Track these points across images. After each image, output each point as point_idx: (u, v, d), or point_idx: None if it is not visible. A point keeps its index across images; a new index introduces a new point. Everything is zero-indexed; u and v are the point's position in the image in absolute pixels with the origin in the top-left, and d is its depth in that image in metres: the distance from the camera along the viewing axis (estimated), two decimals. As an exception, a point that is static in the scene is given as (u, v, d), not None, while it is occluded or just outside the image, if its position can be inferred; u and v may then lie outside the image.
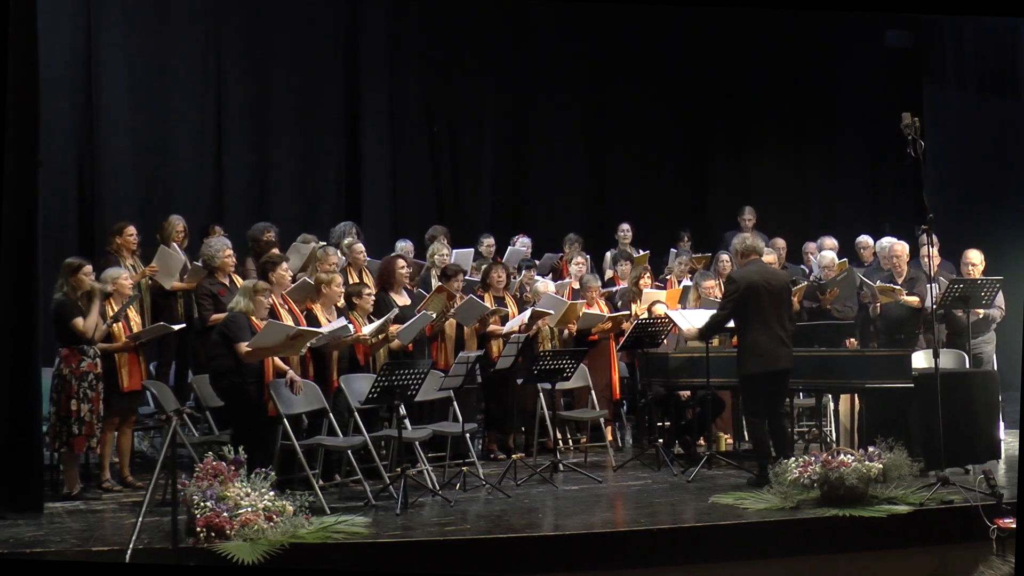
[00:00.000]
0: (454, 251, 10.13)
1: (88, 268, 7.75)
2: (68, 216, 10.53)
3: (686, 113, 13.81)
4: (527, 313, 9.13)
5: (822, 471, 7.01)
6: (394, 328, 8.28)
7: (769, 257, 9.49)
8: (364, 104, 12.36)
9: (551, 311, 9.18)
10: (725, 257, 10.44)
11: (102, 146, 10.83)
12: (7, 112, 6.93)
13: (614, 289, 10.37)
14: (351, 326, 7.92)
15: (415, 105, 12.77)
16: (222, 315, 7.69)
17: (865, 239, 10.82)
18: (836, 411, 8.98)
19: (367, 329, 8.08)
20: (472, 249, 10.72)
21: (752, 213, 11.81)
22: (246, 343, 7.24)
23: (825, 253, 10.44)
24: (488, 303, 9.08)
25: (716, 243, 11.70)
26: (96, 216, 10.69)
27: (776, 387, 7.94)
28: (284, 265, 8.06)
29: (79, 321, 7.55)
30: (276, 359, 7.45)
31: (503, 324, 9.19)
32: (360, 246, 9.36)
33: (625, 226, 11.68)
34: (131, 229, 8.80)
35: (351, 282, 8.86)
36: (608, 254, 11.54)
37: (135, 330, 8.00)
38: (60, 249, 8.89)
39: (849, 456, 7.10)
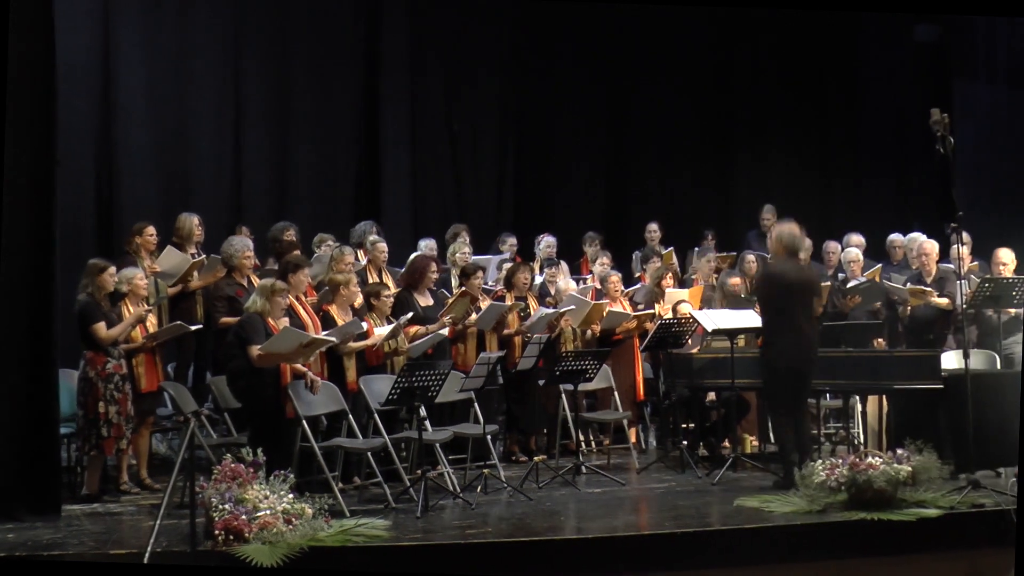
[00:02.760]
0: (476, 258, 10.02)
1: (112, 269, 7.74)
2: (86, 216, 10.53)
3: (709, 111, 13.69)
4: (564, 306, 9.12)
5: (849, 474, 6.92)
6: (412, 329, 8.22)
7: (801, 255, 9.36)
8: (384, 103, 12.35)
9: (587, 300, 9.20)
10: (751, 256, 10.36)
11: (120, 146, 10.85)
12: (25, 111, 6.89)
13: (634, 288, 10.25)
14: (364, 324, 7.86)
15: (435, 104, 12.75)
16: (233, 318, 7.65)
17: (897, 237, 10.67)
18: (864, 413, 8.91)
19: (379, 331, 8.01)
20: (494, 257, 10.63)
21: (772, 212, 11.57)
22: (258, 346, 7.17)
23: (850, 250, 10.33)
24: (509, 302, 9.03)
25: (740, 242, 11.58)
26: (114, 216, 10.71)
27: (799, 385, 7.85)
28: (306, 270, 7.99)
29: (102, 327, 7.51)
30: (292, 360, 7.40)
31: (522, 319, 9.11)
32: (384, 245, 9.29)
33: (653, 225, 11.57)
34: (151, 229, 8.77)
35: (371, 281, 8.78)
36: (635, 254, 11.44)
37: (151, 330, 7.96)
38: (78, 250, 8.90)
39: (877, 458, 7.01)
